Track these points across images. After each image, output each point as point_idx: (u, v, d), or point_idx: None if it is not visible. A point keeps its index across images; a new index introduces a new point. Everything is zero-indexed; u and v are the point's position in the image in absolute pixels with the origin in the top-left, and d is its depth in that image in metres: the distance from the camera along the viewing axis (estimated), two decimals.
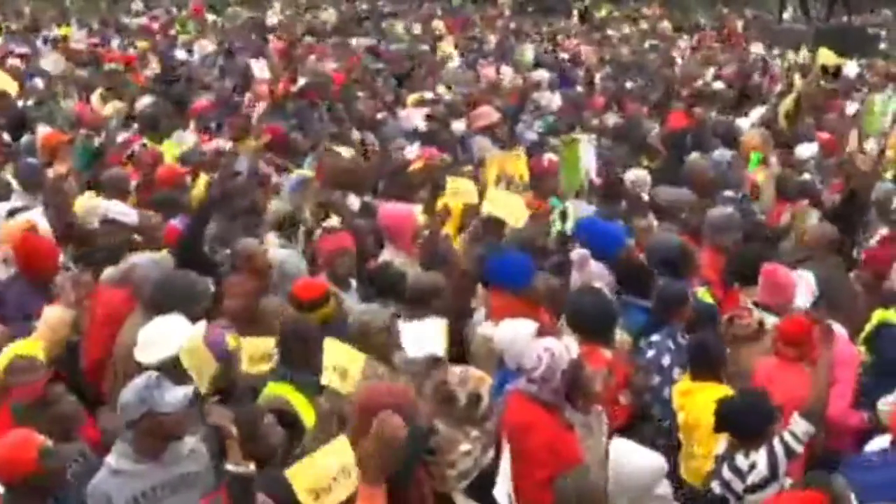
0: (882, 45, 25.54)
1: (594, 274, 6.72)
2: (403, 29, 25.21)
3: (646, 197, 8.99)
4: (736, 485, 5.06)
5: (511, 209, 7.38)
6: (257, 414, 4.76)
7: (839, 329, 6.24)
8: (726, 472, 5.11)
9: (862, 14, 31.28)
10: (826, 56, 14.30)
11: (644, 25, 30.98)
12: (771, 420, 5.20)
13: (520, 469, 4.81)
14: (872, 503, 4.80)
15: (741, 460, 5.10)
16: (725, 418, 5.21)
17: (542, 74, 16.78)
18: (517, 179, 8.61)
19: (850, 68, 18.49)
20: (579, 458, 5.10)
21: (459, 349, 6.27)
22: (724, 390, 5.63)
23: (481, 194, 7.89)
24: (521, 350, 5.37)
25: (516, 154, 9.10)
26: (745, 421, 5.17)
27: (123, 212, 7.52)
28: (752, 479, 5.06)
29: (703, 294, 7.11)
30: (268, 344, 5.55)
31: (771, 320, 6.53)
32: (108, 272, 6.54)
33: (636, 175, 9.43)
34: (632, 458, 4.84)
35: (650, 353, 6.20)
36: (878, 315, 6.64)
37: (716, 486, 5.11)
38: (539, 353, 5.18)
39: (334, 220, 7.78)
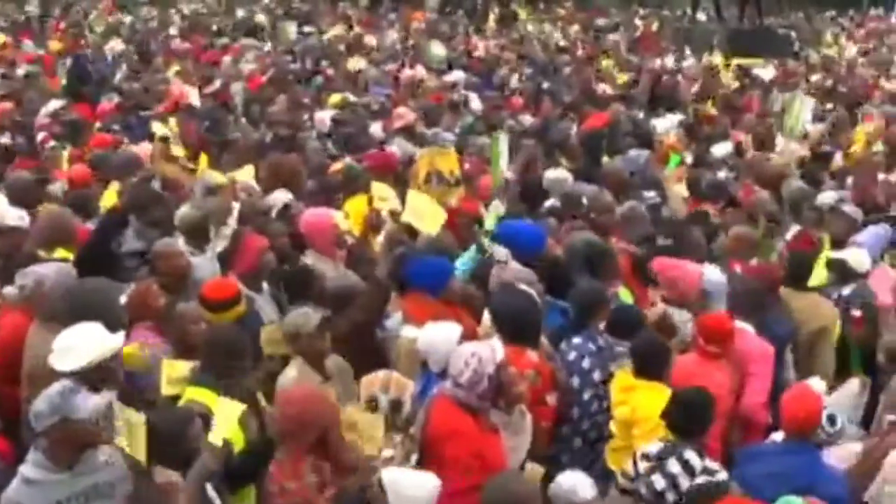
0: (793, 47, 26.10)
1: (518, 275, 6.74)
2: (296, 31, 25.03)
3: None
4: (683, 480, 5.10)
5: (427, 216, 7.34)
6: (186, 418, 4.70)
7: (747, 327, 6.40)
8: (673, 466, 5.14)
9: (772, 16, 32.01)
10: (739, 58, 14.65)
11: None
12: (712, 418, 5.30)
13: (444, 475, 4.84)
14: (760, 494, 4.93)
15: (694, 456, 5.15)
16: (674, 416, 5.29)
17: (459, 75, 16.87)
18: (447, 175, 8.66)
19: (767, 70, 18.94)
20: (504, 463, 5.14)
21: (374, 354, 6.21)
22: (666, 390, 5.70)
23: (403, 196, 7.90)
24: (446, 354, 5.38)
25: (447, 150, 9.13)
26: (694, 417, 5.27)
27: (20, 216, 7.27)
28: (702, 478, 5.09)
29: (623, 294, 7.23)
30: (185, 367, 5.50)
31: (678, 317, 6.69)
32: (9, 291, 6.35)
33: (556, 175, 9.54)
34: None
35: (571, 356, 6.24)
36: None
37: (658, 480, 5.13)
38: (466, 359, 5.17)
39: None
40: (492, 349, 5.27)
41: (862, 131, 12.62)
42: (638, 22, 33.09)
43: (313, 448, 4.61)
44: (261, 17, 27.43)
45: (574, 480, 5.05)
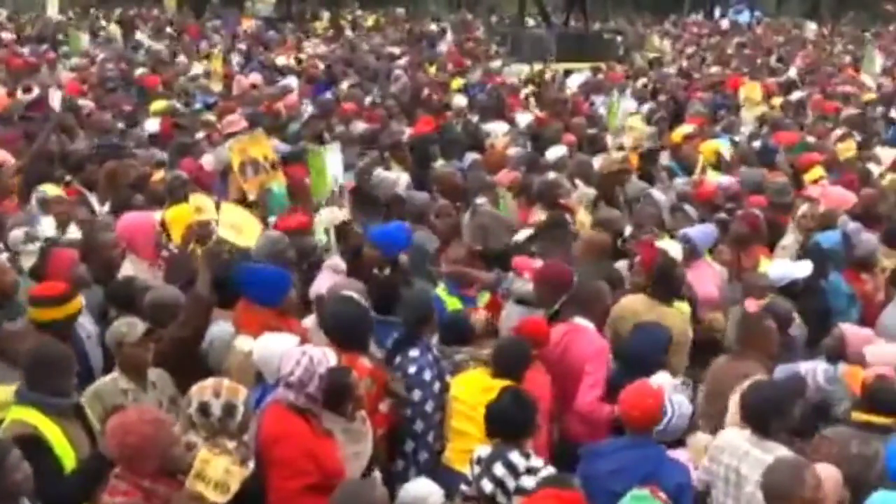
0: (619, 51, 26.93)
1: (351, 285, 6.77)
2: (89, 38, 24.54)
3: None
4: (509, 482, 5.16)
5: (244, 229, 7.23)
6: (2, 450, 4.53)
7: (586, 324, 6.58)
8: (499, 469, 5.20)
9: (598, 21, 32.96)
10: (567, 63, 15.07)
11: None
12: (533, 419, 5.38)
13: (276, 476, 4.81)
14: (605, 489, 5.09)
15: (517, 457, 5.22)
16: (496, 419, 5.35)
17: (292, 81, 16.80)
18: (262, 161, 8.58)
19: (581, 75, 19.53)
20: (339, 466, 5.15)
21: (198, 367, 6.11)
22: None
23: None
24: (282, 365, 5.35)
25: (258, 136, 9.06)
26: (515, 420, 5.33)
27: None
28: (527, 479, 5.14)
29: (441, 292, 7.33)
30: (7, 391, 5.33)
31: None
32: None
33: (385, 176, 9.61)
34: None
35: (411, 369, 6.22)
36: None
37: (486, 484, 5.19)
38: (298, 358, 5.20)
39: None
40: (323, 353, 5.29)
41: (681, 132, 13.17)
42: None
43: (153, 470, 4.57)
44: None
45: (422, 487, 5.09)
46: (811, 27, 40.84)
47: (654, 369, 6.08)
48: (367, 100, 15.97)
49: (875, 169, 11.27)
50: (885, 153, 12.35)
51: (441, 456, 6.13)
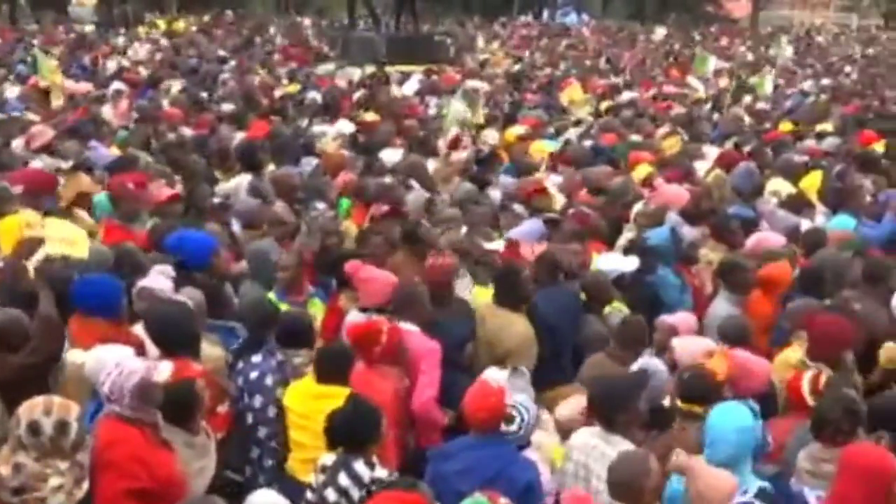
0: (450, 52, 27.24)
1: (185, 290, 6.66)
2: None
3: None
4: (354, 492, 5.16)
5: (77, 241, 7.03)
6: None
7: (412, 327, 6.61)
8: (344, 479, 5.20)
9: (428, 24, 33.27)
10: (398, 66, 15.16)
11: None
12: (377, 427, 5.38)
13: (104, 479, 4.70)
14: (453, 490, 5.14)
15: (361, 467, 5.22)
16: (338, 428, 5.32)
17: (119, 85, 16.38)
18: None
19: (411, 82, 19.71)
20: (175, 477, 5.06)
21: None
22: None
23: None
24: None
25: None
26: (358, 429, 5.31)
27: None
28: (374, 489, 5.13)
29: (317, 306, 7.30)
30: None
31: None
32: None
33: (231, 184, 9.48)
34: None
35: (253, 375, 6.19)
36: None
37: (330, 494, 5.18)
38: (110, 370, 5.08)
39: None
40: (147, 366, 5.17)
41: (513, 133, 13.44)
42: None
43: None
44: None
45: (266, 498, 5.03)
46: (660, 31, 42.09)
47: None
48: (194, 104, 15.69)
49: (701, 166, 11.72)
50: (711, 151, 12.88)
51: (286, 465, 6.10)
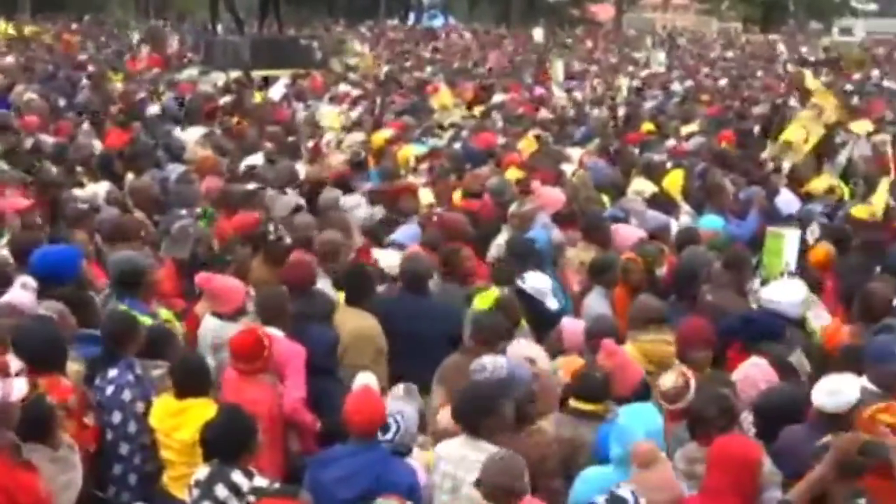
0: (316, 56, 27.13)
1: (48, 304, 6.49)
2: None
3: None
4: (233, 503, 5.12)
5: None
6: None
7: (277, 332, 6.55)
8: (221, 491, 5.15)
9: (293, 27, 33.08)
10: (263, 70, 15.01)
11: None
12: (254, 436, 5.34)
13: None
14: (333, 497, 5.19)
15: (239, 477, 5.16)
16: (213, 440, 5.27)
17: None
18: None
19: (277, 87, 19.61)
20: (41, 497, 4.94)
21: None
22: (212, 406, 5.72)
23: None
24: None
25: None
26: (232, 439, 5.27)
27: None
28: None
29: (167, 315, 7.19)
30: None
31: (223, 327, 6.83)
32: None
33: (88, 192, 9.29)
34: None
35: (109, 390, 6.06)
36: None
37: None
38: None
39: None
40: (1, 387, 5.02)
41: (381, 136, 13.49)
42: None
43: None
44: None
45: None
46: (539, 32, 42.59)
47: None
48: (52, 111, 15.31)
49: (568, 168, 11.94)
50: (575, 153, 13.14)
51: (154, 477, 5.99)
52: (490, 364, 6.06)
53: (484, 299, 7.25)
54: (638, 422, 5.34)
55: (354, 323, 7.08)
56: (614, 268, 7.99)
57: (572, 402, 5.94)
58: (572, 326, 7.13)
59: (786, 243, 8.60)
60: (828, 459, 4.76)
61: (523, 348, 6.45)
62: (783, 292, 7.41)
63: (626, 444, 5.17)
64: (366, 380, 5.94)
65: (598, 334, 6.68)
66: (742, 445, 5.13)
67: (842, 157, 12.92)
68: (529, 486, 4.99)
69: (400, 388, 6.04)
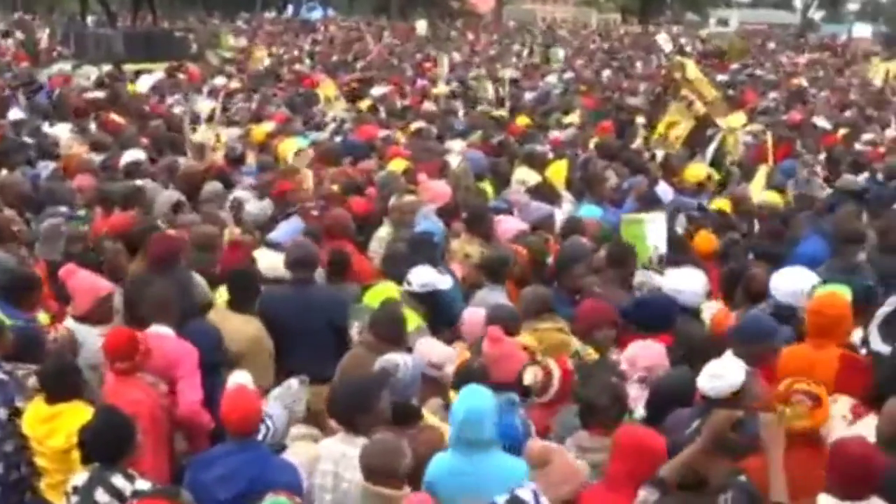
0: (192, 49, 26.78)
1: None
2: None
3: None
4: None
5: None
6: None
7: (167, 330, 6.49)
8: (102, 496, 5.06)
9: (167, 20, 32.57)
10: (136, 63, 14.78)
11: None
12: (133, 438, 5.24)
13: None
14: (214, 497, 5.14)
15: (120, 481, 5.09)
16: (91, 443, 5.16)
17: None
18: None
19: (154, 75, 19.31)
20: None
21: None
22: (86, 409, 5.61)
23: None
24: None
25: None
26: (110, 442, 5.17)
27: None
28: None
29: (45, 319, 7.03)
30: None
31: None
32: None
33: None
34: None
35: None
36: None
37: None
38: None
39: None
40: None
41: (262, 130, 13.37)
42: None
43: None
44: None
45: None
46: (423, 24, 42.57)
47: None
48: None
49: (453, 160, 12.02)
50: (456, 144, 13.24)
51: (20, 486, 5.83)
52: (401, 361, 6.09)
53: (375, 295, 7.27)
54: (476, 401, 5.30)
55: (248, 331, 6.99)
56: (510, 264, 8.03)
57: (452, 396, 5.95)
58: (473, 316, 7.15)
59: (647, 228, 8.76)
60: (701, 436, 4.86)
61: (432, 346, 6.48)
62: (686, 281, 7.56)
63: (456, 425, 5.24)
64: (240, 378, 5.88)
65: (498, 321, 6.71)
66: (645, 435, 5.19)
67: (710, 150, 13.31)
68: (415, 474, 5.03)
69: (293, 383, 6.02)
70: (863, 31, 68.05)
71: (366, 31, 37.02)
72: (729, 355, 5.99)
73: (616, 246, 8.35)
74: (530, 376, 6.09)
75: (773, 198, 10.66)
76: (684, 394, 5.81)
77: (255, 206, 9.83)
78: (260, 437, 5.48)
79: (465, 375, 5.97)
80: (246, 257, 8.04)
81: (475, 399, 5.32)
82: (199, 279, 7.52)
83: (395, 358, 6.03)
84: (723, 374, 5.59)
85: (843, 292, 7.01)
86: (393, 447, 4.98)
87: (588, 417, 5.55)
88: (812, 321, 6.56)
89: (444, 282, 7.56)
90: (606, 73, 27.09)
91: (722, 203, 10.38)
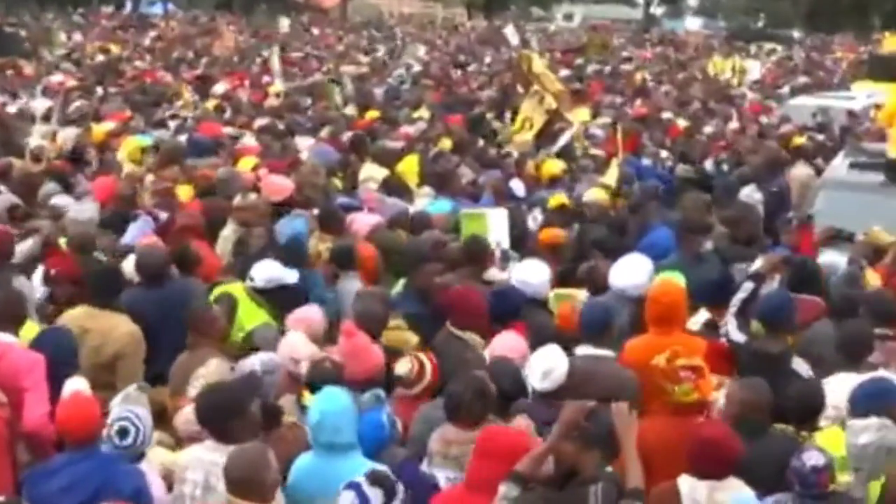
0: (25, 46, 26.02)
1: None
2: None
3: None
4: None
5: None
6: None
7: (10, 339, 6.30)
8: None
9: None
10: None
11: None
12: None
13: None
14: None
15: None
16: None
17: None
18: None
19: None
20: None
21: None
22: None
23: None
24: None
25: None
26: None
27: None
28: None
29: None
30: None
31: None
32: None
33: None
34: None
35: None
36: None
37: None
38: None
39: None
40: None
41: (102, 129, 13.07)
42: None
43: None
44: None
45: None
46: (285, 21, 41.97)
47: None
48: None
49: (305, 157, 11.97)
50: (305, 141, 13.22)
51: None
52: (257, 361, 6.05)
53: (217, 293, 7.18)
54: (331, 403, 5.33)
55: (124, 327, 6.85)
56: (353, 251, 8.12)
57: (305, 396, 5.93)
58: (311, 314, 7.12)
59: (490, 223, 8.88)
60: (555, 428, 4.95)
61: (295, 342, 6.45)
62: (534, 273, 7.74)
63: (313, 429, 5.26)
64: (76, 385, 5.76)
65: (363, 315, 6.75)
66: (510, 436, 5.23)
67: (556, 145, 13.56)
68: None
69: (131, 390, 5.84)
70: (694, 23, 70.77)
71: (224, 27, 36.34)
72: (551, 348, 6.13)
73: (472, 241, 8.42)
74: (404, 368, 6.13)
75: (600, 195, 10.77)
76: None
77: (80, 211, 9.54)
78: (129, 440, 5.34)
79: (316, 374, 5.95)
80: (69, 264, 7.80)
81: (331, 403, 5.32)
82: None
83: (250, 362, 5.99)
84: (547, 369, 5.83)
85: (678, 279, 7.27)
86: (257, 458, 4.86)
87: (453, 411, 5.58)
88: (652, 309, 6.80)
89: (290, 276, 7.53)
90: (455, 68, 27.28)
91: (559, 198, 10.56)
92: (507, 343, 6.62)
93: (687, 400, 5.65)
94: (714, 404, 5.92)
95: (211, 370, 6.19)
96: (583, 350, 6.53)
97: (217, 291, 7.37)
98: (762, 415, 5.62)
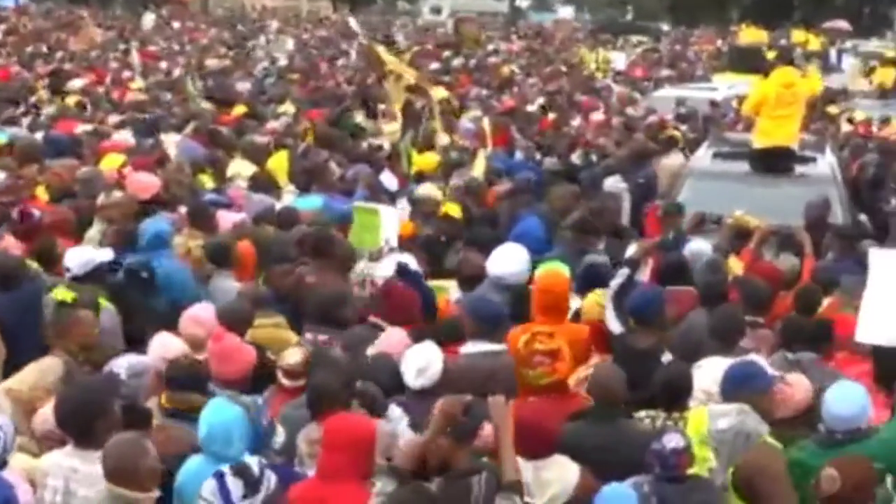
0: None
1: None
2: None
3: None
4: None
5: None
6: None
7: None
8: None
9: None
10: None
11: None
12: None
13: None
14: None
15: None
16: None
17: None
18: None
19: None
20: None
21: None
22: None
23: None
24: None
25: None
26: None
27: None
28: None
29: None
30: None
31: None
32: None
33: None
34: None
35: None
36: None
37: None
38: None
39: None
40: None
41: None
42: None
43: None
44: None
45: None
46: (150, 17, 40.96)
47: None
48: None
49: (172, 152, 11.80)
50: (171, 137, 13.00)
51: None
52: (125, 364, 5.95)
53: (63, 293, 7.05)
54: (220, 413, 5.21)
55: None
56: (231, 249, 8.10)
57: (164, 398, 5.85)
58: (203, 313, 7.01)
59: (381, 219, 8.91)
60: (431, 422, 4.98)
61: (167, 342, 6.40)
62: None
63: (202, 439, 5.18)
64: None
65: (226, 314, 6.73)
66: (355, 424, 5.21)
67: (408, 137, 13.52)
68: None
69: None
70: (566, 12, 71.88)
71: (88, 22, 35.40)
72: (426, 344, 6.16)
73: (320, 233, 8.42)
74: (295, 357, 6.15)
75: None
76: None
77: None
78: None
79: (174, 372, 5.88)
80: None
81: (220, 415, 5.17)
82: None
83: (116, 364, 5.90)
84: (426, 365, 5.89)
85: (562, 269, 7.42)
86: (135, 446, 4.78)
87: (316, 406, 5.55)
88: (540, 299, 6.93)
89: (103, 254, 7.55)
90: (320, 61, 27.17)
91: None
92: (392, 339, 6.62)
93: (541, 383, 5.86)
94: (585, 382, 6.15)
95: (42, 367, 6.16)
96: (475, 346, 6.58)
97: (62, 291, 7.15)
98: (615, 399, 5.74)
